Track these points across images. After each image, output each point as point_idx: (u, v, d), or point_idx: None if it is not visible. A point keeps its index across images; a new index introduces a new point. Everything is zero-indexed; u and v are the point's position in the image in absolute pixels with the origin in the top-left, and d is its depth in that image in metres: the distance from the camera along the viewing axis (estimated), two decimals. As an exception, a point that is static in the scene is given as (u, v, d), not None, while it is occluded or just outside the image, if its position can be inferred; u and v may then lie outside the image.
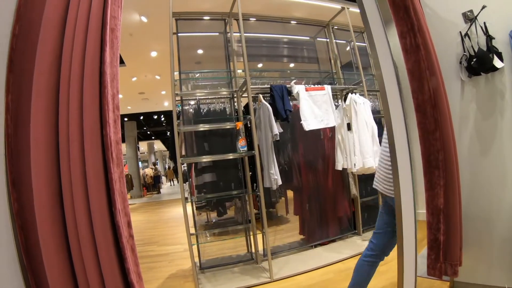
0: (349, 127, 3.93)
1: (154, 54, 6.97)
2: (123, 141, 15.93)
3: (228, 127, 3.95)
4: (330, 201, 4.40)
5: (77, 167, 1.29)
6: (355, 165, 3.83)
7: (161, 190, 18.92)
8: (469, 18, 2.39)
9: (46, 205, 1.28)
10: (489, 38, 2.31)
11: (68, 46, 1.35)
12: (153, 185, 18.94)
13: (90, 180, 1.30)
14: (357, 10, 4.38)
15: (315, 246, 4.23)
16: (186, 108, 3.97)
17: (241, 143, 3.60)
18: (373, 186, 2.30)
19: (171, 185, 24.74)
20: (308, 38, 5.02)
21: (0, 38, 1.43)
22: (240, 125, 3.73)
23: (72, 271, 1.33)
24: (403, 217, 2.06)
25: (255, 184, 3.92)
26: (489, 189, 2.42)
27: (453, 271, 2.26)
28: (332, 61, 4.88)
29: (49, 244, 1.27)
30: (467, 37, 2.41)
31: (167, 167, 28.90)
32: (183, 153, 3.87)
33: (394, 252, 2.28)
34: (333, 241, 4.35)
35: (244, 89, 3.82)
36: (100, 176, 1.33)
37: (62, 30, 1.37)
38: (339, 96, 4.57)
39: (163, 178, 25.47)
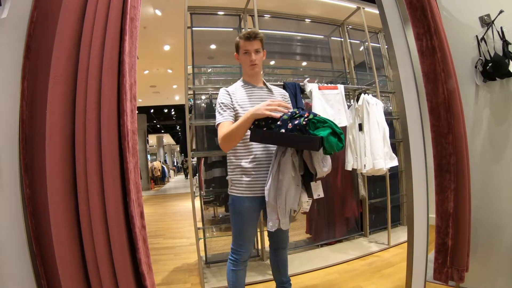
0: (360, 127, 3.91)
1: (167, 47, 6.99)
2: (133, 133, 15.98)
3: (239, 122, 3.93)
4: (338, 201, 4.39)
5: (92, 155, 1.30)
6: (365, 166, 3.81)
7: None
8: (486, 22, 2.37)
9: (60, 192, 1.28)
10: (506, 43, 2.29)
11: (88, 33, 1.35)
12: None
13: (105, 169, 1.30)
14: (373, 10, 4.39)
15: (321, 245, 4.22)
16: (198, 102, 3.97)
17: (252, 139, 3.58)
18: None
19: (186, 178, 24.61)
20: (322, 36, 5.00)
21: (18, 25, 1.44)
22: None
23: (83, 259, 1.34)
24: (414, 220, 2.05)
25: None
26: (499, 196, 2.40)
27: (460, 276, 2.25)
28: (346, 60, 4.86)
29: (60, 232, 1.28)
30: (483, 42, 2.38)
31: (175, 161, 28.98)
32: (194, 147, 3.87)
33: (402, 254, 2.26)
34: (340, 241, 4.34)
35: (256, 86, 3.80)
36: (116, 165, 1.34)
37: (82, 17, 1.37)
38: (352, 96, 4.55)
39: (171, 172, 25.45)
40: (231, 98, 2.17)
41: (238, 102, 2.16)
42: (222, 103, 2.16)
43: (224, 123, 2.09)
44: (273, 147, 2.10)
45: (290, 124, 1.86)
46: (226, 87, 2.28)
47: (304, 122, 1.84)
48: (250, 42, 2.14)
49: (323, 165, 2.00)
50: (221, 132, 2.05)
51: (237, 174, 2.18)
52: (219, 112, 2.14)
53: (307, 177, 2.03)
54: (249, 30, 2.17)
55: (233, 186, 2.20)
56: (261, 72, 2.35)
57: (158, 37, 6.31)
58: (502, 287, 2.36)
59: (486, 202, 2.43)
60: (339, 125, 3.73)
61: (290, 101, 2.37)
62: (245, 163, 2.14)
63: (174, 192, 14.66)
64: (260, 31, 2.22)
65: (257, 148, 2.12)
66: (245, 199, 2.14)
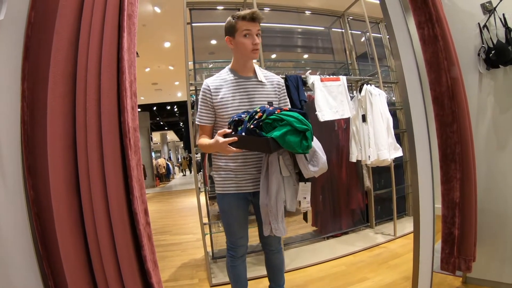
0: (364, 118, 3.89)
1: (167, 44, 6.99)
2: (136, 131, 16.11)
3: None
4: (343, 193, 4.38)
5: (94, 154, 1.30)
6: (369, 157, 3.80)
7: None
8: (488, 9, 2.34)
9: (63, 192, 1.29)
10: (508, 30, 2.26)
11: (85, 32, 1.35)
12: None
13: (107, 167, 1.30)
14: (373, 0, 4.34)
15: (328, 238, 4.22)
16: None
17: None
18: None
19: (183, 175, 24.77)
20: (323, 28, 4.97)
21: (16, 26, 1.43)
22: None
23: (88, 259, 1.34)
24: (420, 211, 2.04)
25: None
26: (506, 184, 2.37)
27: (467, 266, 2.24)
28: (347, 52, 4.84)
29: (65, 232, 1.28)
30: (485, 29, 2.35)
31: (179, 158, 29.17)
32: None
33: (408, 245, 2.24)
34: (346, 233, 4.34)
35: (258, 80, 3.80)
36: (118, 163, 1.34)
37: (79, 16, 1.37)
38: (354, 87, 4.52)
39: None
40: (211, 96, 2.03)
41: (221, 100, 2.02)
42: (200, 101, 2.07)
43: (201, 127, 2.08)
44: None
45: (251, 126, 1.75)
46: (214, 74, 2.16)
47: (252, 126, 1.73)
48: (254, 24, 1.93)
49: (313, 164, 1.90)
50: (199, 139, 2.06)
51: (216, 171, 2.13)
52: (198, 111, 2.08)
53: (301, 175, 1.95)
54: (250, 10, 1.92)
55: (216, 183, 2.14)
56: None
57: (158, 34, 6.32)
58: (509, 276, 2.35)
59: (493, 191, 2.41)
60: (343, 117, 3.75)
61: (284, 90, 2.21)
62: (222, 161, 2.09)
63: (180, 189, 14.70)
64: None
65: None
66: (226, 196, 2.09)
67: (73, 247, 1.30)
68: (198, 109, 2.08)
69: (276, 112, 1.75)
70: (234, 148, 1.79)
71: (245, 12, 1.92)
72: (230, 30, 1.99)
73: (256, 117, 1.75)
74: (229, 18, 1.99)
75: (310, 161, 1.91)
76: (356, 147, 4.00)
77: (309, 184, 1.96)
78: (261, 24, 1.99)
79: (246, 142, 1.79)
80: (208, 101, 2.04)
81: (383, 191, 4.54)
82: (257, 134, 1.73)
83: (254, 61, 3.86)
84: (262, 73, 2.14)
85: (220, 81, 2.08)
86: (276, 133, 1.68)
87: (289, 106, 2.14)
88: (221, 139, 1.80)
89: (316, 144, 1.94)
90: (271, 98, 2.10)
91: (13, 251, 1.38)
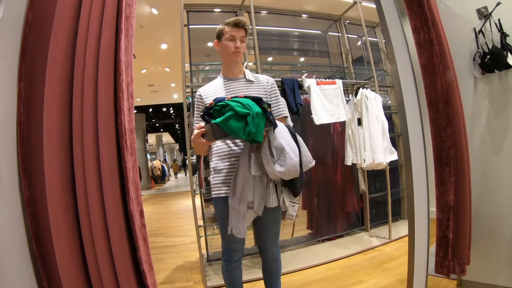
0: (359, 122, 3.91)
1: (164, 46, 6.99)
2: (132, 133, 16.11)
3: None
4: (338, 196, 4.39)
5: (90, 155, 1.29)
6: (364, 160, 3.81)
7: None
8: (484, 14, 2.35)
9: (59, 193, 1.28)
10: (504, 35, 2.28)
11: (83, 33, 1.35)
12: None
13: (103, 168, 1.30)
14: (370, 4, 4.38)
15: (323, 241, 4.22)
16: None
17: (251, 136, 3.58)
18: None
19: (175, 178, 24.75)
20: (319, 32, 4.99)
21: (13, 26, 1.43)
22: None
23: (84, 260, 1.34)
24: (415, 214, 2.05)
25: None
26: (500, 188, 2.39)
27: (461, 269, 2.25)
28: (344, 55, 4.86)
29: (60, 232, 1.27)
30: (481, 34, 2.37)
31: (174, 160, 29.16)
32: (193, 145, 3.87)
33: (403, 248, 2.24)
34: (341, 236, 4.34)
35: (254, 82, 3.80)
36: (114, 164, 1.33)
37: (77, 17, 1.37)
38: (350, 91, 4.54)
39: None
40: (202, 101, 2.13)
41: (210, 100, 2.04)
42: (195, 108, 2.16)
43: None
44: (233, 144, 2.04)
45: (201, 113, 1.83)
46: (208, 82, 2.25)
47: (201, 113, 1.81)
48: (237, 29, 2.08)
49: (280, 164, 1.74)
50: None
51: (211, 174, 2.14)
52: (194, 117, 2.15)
53: (288, 181, 1.88)
54: (235, 17, 2.11)
55: (211, 186, 2.13)
56: (242, 62, 2.25)
57: (155, 35, 6.31)
58: (504, 279, 2.36)
59: (487, 194, 2.43)
60: (338, 120, 3.76)
61: (274, 88, 2.20)
62: (214, 163, 2.10)
63: (175, 191, 14.67)
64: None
65: (220, 146, 2.07)
66: (221, 199, 2.07)
67: (68, 248, 1.29)
68: (194, 116, 2.15)
69: (226, 99, 1.76)
70: (204, 140, 1.76)
71: (231, 19, 2.11)
72: (219, 35, 2.18)
73: (207, 105, 1.81)
74: (220, 25, 2.19)
75: (277, 160, 1.77)
76: (352, 151, 4.01)
77: (296, 205, 1.99)
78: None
79: (208, 131, 1.72)
80: (200, 106, 2.13)
81: (378, 194, 4.55)
82: (206, 121, 1.78)
83: (250, 63, 3.89)
84: (252, 75, 2.22)
85: (210, 86, 2.20)
86: (218, 119, 1.67)
87: (282, 105, 2.15)
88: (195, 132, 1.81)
89: (287, 143, 1.82)
90: (260, 95, 2.08)
91: (8, 252, 1.37)
